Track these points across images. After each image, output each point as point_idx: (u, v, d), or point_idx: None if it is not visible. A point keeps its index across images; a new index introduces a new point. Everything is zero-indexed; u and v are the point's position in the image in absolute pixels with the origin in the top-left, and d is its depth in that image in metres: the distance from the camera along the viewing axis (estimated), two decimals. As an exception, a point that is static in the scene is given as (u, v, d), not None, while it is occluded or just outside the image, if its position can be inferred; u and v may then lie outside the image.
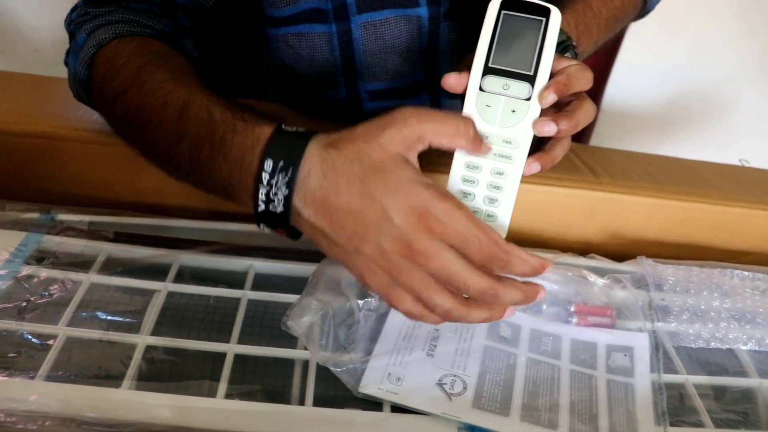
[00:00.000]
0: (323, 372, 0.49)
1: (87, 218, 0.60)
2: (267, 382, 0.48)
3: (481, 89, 0.47)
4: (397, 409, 0.47)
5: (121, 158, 0.61)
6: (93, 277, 0.54)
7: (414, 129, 0.44)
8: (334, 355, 0.49)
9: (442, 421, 0.47)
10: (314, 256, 0.56)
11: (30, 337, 0.48)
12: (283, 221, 0.45)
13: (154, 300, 0.53)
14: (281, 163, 0.44)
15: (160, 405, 0.44)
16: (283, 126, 0.46)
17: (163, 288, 0.54)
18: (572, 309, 0.58)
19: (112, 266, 0.56)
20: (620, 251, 0.68)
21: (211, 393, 0.46)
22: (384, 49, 0.67)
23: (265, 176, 0.44)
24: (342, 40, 0.66)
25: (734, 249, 0.72)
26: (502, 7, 0.47)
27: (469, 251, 0.43)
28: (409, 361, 0.50)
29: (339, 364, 0.48)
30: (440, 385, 0.49)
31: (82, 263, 0.55)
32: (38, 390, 0.44)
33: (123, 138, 0.54)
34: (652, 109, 1.56)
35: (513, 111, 0.47)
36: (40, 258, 0.55)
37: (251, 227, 0.61)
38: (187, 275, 0.56)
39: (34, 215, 0.59)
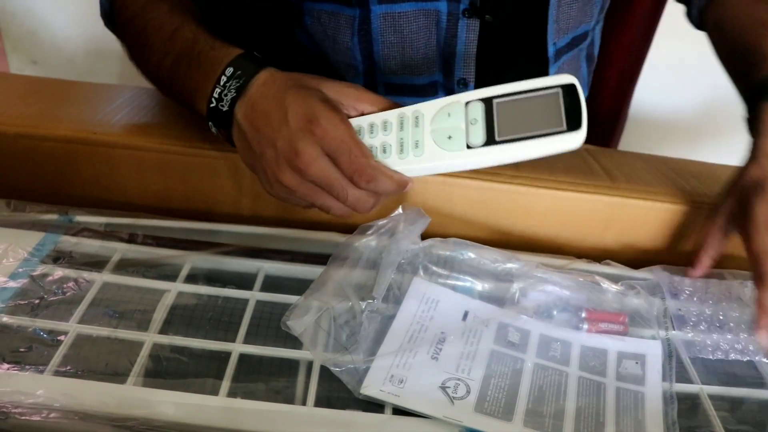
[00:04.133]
0: (327, 373, 0.49)
1: (103, 220, 0.61)
2: (271, 382, 0.48)
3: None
4: (398, 411, 0.47)
5: (137, 162, 0.63)
6: (106, 277, 0.55)
7: (353, 92, 0.51)
8: (334, 356, 0.49)
9: (444, 425, 0.46)
10: (324, 259, 0.57)
11: (41, 332, 0.49)
12: (227, 121, 0.51)
13: (163, 299, 0.54)
14: (239, 72, 0.51)
15: (163, 401, 0.45)
16: (255, 53, 0.53)
17: (173, 288, 0.55)
18: (583, 315, 0.57)
19: (125, 266, 0.57)
20: (637, 258, 0.67)
21: (215, 391, 0.46)
22: (402, 43, 0.68)
23: (223, 79, 0.51)
24: (362, 27, 0.67)
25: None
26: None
27: (341, 160, 0.48)
28: (412, 364, 0.50)
29: (339, 364, 0.48)
30: (443, 388, 0.49)
31: (96, 263, 0.56)
32: (46, 384, 0.45)
33: (132, 60, 0.62)
34: (683, 116, 1.52)
35: (449, 138, 0.48)
36: (57, 257, 0.56)
37: (263, 230, 0.62)
38: (197, 276, 0.57)
39: (53, 216, 0.60)
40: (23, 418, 0.42)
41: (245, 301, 0.55)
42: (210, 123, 0.53)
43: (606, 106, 1.03)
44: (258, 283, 0.57)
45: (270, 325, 0.53)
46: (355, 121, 0.51)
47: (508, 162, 0.48)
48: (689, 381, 0.54)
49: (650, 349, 0.56)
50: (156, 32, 0.57)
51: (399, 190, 0.50)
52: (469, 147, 0.47)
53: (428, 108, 0.49)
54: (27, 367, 0.46)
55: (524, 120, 0.46)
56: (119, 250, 0.58)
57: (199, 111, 0.53)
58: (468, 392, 0.49)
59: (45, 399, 0.44)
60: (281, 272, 0.59)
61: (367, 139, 0.50)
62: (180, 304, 0.54)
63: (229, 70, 0.51)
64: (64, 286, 0.54)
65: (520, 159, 0.47)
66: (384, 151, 0.50)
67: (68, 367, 0.47)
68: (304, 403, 0.47)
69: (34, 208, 0.61)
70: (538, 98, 0.47)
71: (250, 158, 0.52)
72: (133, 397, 0.45)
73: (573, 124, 0.45)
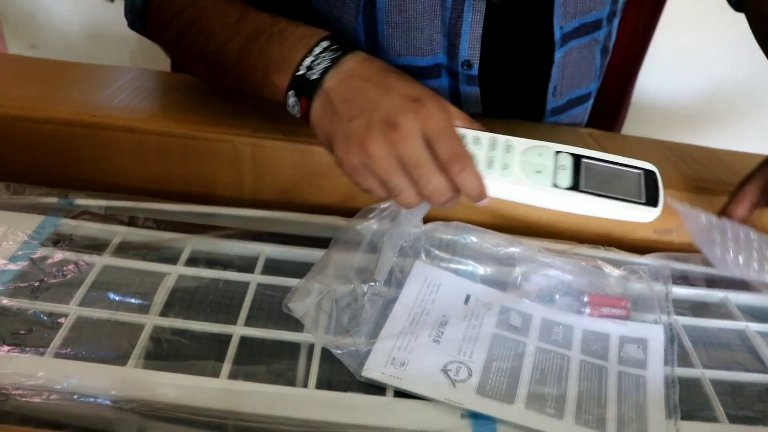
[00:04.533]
0: (329, 356, 0.49)
1: (104, 203, 0.61)
2: (272, 365, 0.48)
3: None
4: (400, 394, 0.47)
5: (137, 145, 0.62)
6: (106, 260, 0.55)
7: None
8: (336, 338, 0.48)
9: (446, 407, 0.46)
10: (326, 243, 0.56)
11: (42, 315, 0.49)
12: (312, 88, 0.51)
13: (164, 282, 0.53)
14: (335, 46, 0.52)
15: (164, 383, 0.45)
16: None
17: (173, 271, 0.55)
18: (585, 299, 0.57)
19: (125, 249, 0.56)
20: (641, 245, 0.67)
21: (216, 373, 0.46)
22: (406, 23, 0.67)
23: (317, 50, 0.51)
24: (367, 7, 0.67)
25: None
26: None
27: (440, 144, 0.47)
28: (414, 347, 0.50)
29: (341, 347, 0.48)
30: (445, 371, 0.49)
31: (96, 246, 0.56)
32: (46, 366, 0.45)
33: (173, 53, 0.63)
34: (686, 102, 1.52)
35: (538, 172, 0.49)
36: (57, 240, 0.56)
37: (264, 213, 0.62)
38: (198, 259, 0.57)
39: (53, 199, 0.60)
40: (24, 399, 0.42)
41: (246, 284, 0.54)
42: (291, 92, 0.52)
43: (610, 92, 1.02)
44: (259, 266, 0.57)
45: (271, 307, 0.53)
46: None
47: (583, 212, 0.49)
48: (691, 365, 0.54)
49: (652, 333, 0.55)
50: (217, 18, 0.58)
51: (478, 196, 0.49)
52: (555, 186, 0.48)
53: (520, 142, 0.50)
54: (27, 349, 0.46)
55: (607, 182, 0.49)
56: (119, 233, 0.58)
57: (276, 83, 0.53)
58: (470, 375, 0.49)
59: (45, 381, 0.44)
60: (282, 255, 0.58)
61: None
62: (181, 286, 0.54)
63: (325, 43, 0.52)
64: (64, 268, 0.53)
65: (595, 213, 0.49)
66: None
67: (68, 350, 0.47)
68: (305, 386, 0.47)
69: (34, 191, 0.60)
70: (621, 171, 0.50)
71: (331, 126, 0.50)
72: (133, 378, 0.45)
73: (650, 201, 0.48)
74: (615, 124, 1.07)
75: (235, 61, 0.56)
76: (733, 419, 0.50)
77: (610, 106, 1.04)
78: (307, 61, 0.51)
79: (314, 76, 0.51)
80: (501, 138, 0.50)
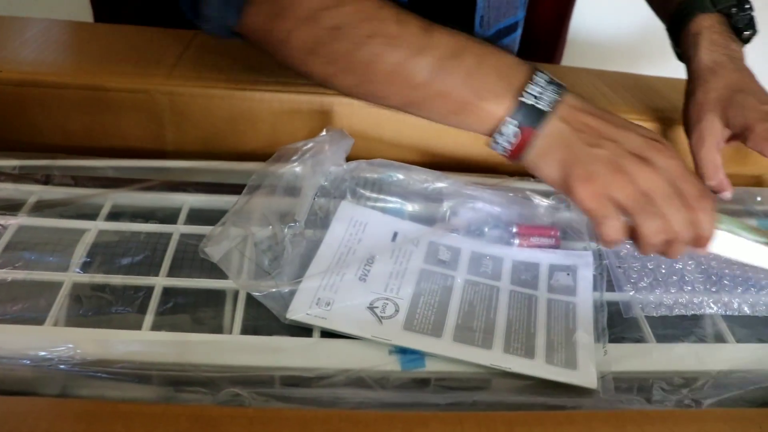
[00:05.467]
0: (254, 302, 0.48)
1: (17, 162, 0.58)
2: (196, 314, 0.47)
3: None
4: (327, 334, 0.47)
5: (50, 100, 0.60)
6: (21, 220, 0.53)
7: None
8: (257, 282, 0.48)
9: (373, 345, 0.46)
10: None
11: (-47, 279, 0.47)
12: (539, 119, 0.48)
13: (83, 239, 0.52)
14: (554, 80, 0.50)
15: (84, 339, 0.44)
16: None
17: (93, 227, 0.53)
18: (514, 230, 0.57)
19: (42, 208, 0.55)
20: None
21: (137, 326, 0.45)
22: None
23: (540, 80, 0.49)
24: None
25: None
26: None
27: (687, 183, 0.48)
28: (340, 286, 0.50)
29: (262, 290, 0.47)
30: (371, 308, 0.49)
31: (10, 206, 0.54)
32: (-40, 331, 0.43)
33: (298, 57, 0.52)
34: (622, 39, 1.52)
35: None
36: (-32, 203, 0.54)
37: (186, 163, 0.60)
38: (119, 214, 0.55)
39: (-38, 162, 0.58)
40: (-66, 366, 0.41)
41: (169, 235, 0.53)
42: (511, 119, 0.48)
43: (544, 26, 1.02)
44: (182, 217, 0.55)
45: (195, 257, 0.51)
46: None
47: None
48: (620, 288, 0.55)
49: (581, 259, 0.56)
50: (394, 25, 0.50)
51: (708, 238, 0.49)
52: None
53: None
54: (-62, 314, 0.44)
55: None
56: (35, 192, 0.56)
57: (488, 110, 0.49)
58: (396, 311, 0.49)
59: (-41, 345, 0.43)
60: (206, 204, 0.57)
61: None
62: (101, 242, 0.52)
63: (542, 76, 0.49)
64: (-23, 231, 0.51)
65: None
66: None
67: (-17, 313, 0.45)
68: (230, 333, 0.46)
69: (-60, 154, 0.58)
70: None
71: (568, 154, 0.48)
72: (53, 337, 0.44)
73: None
74: (552, 59, 1.07)
75: (425, 77, 0.50)
76: (660, 338, 0.51)
77: (546, 39, 1.04)
78: (534, 90, 0.48)
79: (545, 107, 0.48)
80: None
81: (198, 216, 0.56)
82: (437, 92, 0.50)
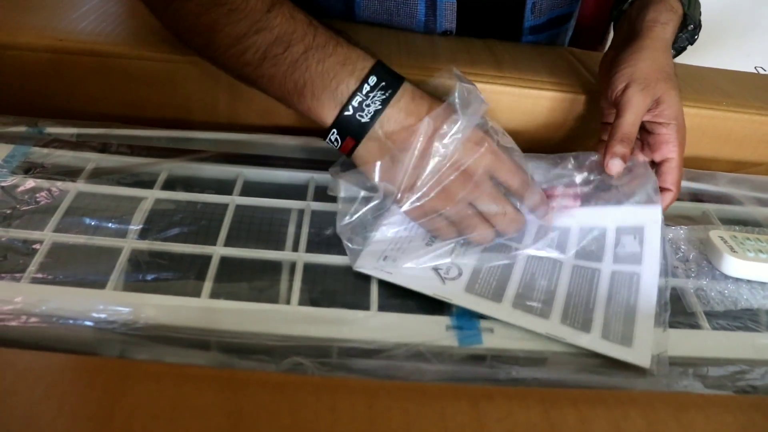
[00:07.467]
0: (310, 275, 0.49)
1: (74, 130, 0.59)
2: (254, 284, 0.47)
3: None
4: (384, 307, 0.47)
5: (108, 71, 0.60)
6: (80, 186, 0.53)
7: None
8: (353, 233, 0.51)
9: (429, 320, 0.46)
10: (303, 163, 0.55)
11: (16, 242, 0.48)
12: (361, 131, 0.49)
13: (141, 206, 0.52)
14: (383, 84, 0.49)
15: (144, 304, 0.44)
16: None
17: (150, 195, 0.53)
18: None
19: (99, 175, 0.55)
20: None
21: (196, 293, 0.46)
22: None
23: (366, 88, 0.48)
24: None
25: (742, 160, 0.70)
26: None
27: (516, 176, 0.51)
28: (407, 248, 0.51)
29: (352, 241, 0.50)
30: (435, 269, 0.49)
31: (69, 172, 0.55)
32: (23, 291, 0.44)
33: (165, 18, 0.54)
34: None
35: None
36: (28, 168, 0.55)
37: (240, 136, 0.60)
38: (175, 183, 0.56)
39: (21, 128, 0.58)
40: (1, 323, 0.42)
41: (225, 206, 0.53)
42: (334, 129, 0.50)
43: (589, 11, 1.00)
44: (237, 188, 0.56)
45: (251, 228, 0.52)
46: None
47: None
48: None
49: (649, 215, 0.53)
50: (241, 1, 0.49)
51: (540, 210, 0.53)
52: None
53: None
54: (3, 275, 0.45)
55: None
56: (93, 159, 0.57)
57: (316, 112, 0.50)
58: (460, 274, 0.49)
59: (24, 305, 0.43)
60: (260, 177, 0.57)
61: None
62: (158, 210, 0.53)
63: (372, 80, 0.49)
64: (37, 195, 0.52)
65: None
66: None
67: (45, 275, 0.46)
68: (288, 303, 0.46)
69: (1, 120, 0.59)
70: None
71: (389, 174, 0.50)
72: (112, 301, 0.44)
73: None
74: (599, 44, 1.05)
75: (259, 59, 0.49)
76: (716, 327, 0.50)
77: (591, 24, 1.02)
78: (355, 102, 0.48)
79: (365, 120, 0.49)
80: None
81: (252, 188, 0.56)
82: (270, 76, 0.50)
